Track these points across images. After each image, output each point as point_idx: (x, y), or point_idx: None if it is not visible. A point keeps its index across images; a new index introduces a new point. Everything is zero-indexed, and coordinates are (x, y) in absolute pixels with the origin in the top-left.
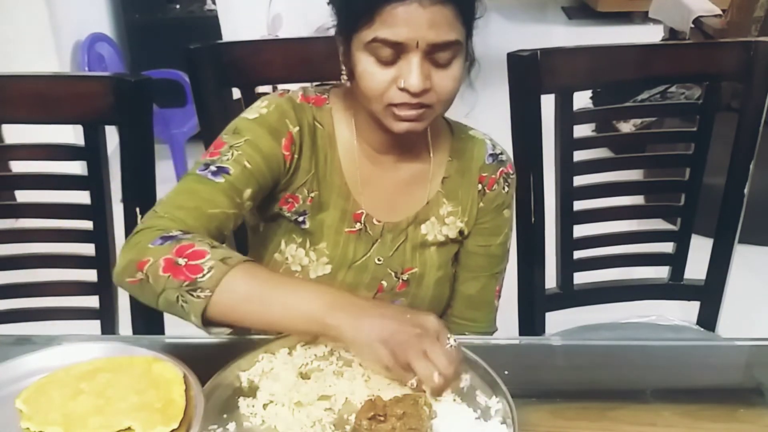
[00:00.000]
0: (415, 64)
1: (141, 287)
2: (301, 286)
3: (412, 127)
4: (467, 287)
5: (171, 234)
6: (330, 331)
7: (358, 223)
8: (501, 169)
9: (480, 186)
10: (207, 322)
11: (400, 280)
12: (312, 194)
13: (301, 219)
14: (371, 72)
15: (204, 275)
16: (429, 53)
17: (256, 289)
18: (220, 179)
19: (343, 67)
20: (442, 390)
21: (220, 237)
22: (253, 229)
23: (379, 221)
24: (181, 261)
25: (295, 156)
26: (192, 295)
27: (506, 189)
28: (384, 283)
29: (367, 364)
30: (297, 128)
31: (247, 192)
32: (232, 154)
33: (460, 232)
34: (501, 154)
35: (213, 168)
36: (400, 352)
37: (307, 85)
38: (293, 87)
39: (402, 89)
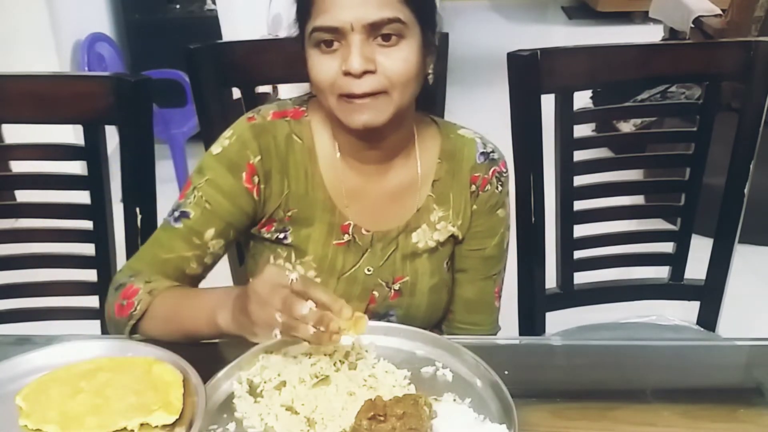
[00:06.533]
0: (354, 46)
1: (117, 331)
2: (201, 296)
3: (370, 119)
4: (465, 291)
5: (120, 282)
6: (224, 331)
7: (347, 235)
8: (493, 168)
9: (473, 187)
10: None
11: (392, 290)
12: (289, 213)
13: (282, 236)
14: (318, 63)
15: (135, 308)
16: (370, 34)
17: (170, 311)
18: (179, 225)
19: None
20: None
21: (182, 277)
22: (246, 248)
23: (368, 231)
24: (124, 302)
25: (262, 186)
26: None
27: (500, 188)
28: (375, 293)
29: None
30: (258, 157)
31: (210, 232)
32: (194, 197)
33: (452, 236)
34: (493, 152)
35: (176, 213)
36: (259, 323)
37: (293, 95)
38: (293, 87)
39: (346, 73)
